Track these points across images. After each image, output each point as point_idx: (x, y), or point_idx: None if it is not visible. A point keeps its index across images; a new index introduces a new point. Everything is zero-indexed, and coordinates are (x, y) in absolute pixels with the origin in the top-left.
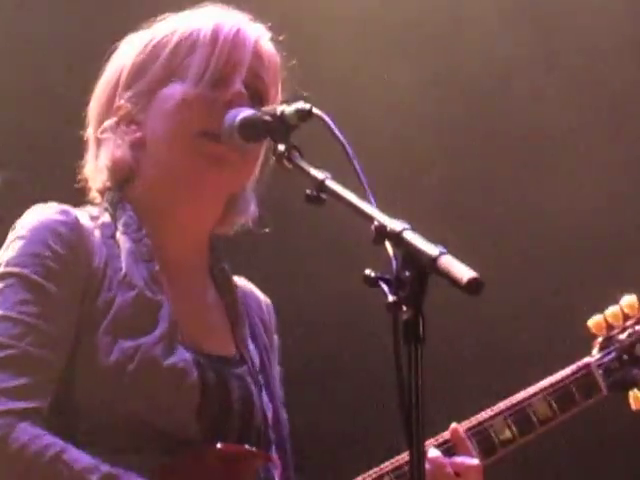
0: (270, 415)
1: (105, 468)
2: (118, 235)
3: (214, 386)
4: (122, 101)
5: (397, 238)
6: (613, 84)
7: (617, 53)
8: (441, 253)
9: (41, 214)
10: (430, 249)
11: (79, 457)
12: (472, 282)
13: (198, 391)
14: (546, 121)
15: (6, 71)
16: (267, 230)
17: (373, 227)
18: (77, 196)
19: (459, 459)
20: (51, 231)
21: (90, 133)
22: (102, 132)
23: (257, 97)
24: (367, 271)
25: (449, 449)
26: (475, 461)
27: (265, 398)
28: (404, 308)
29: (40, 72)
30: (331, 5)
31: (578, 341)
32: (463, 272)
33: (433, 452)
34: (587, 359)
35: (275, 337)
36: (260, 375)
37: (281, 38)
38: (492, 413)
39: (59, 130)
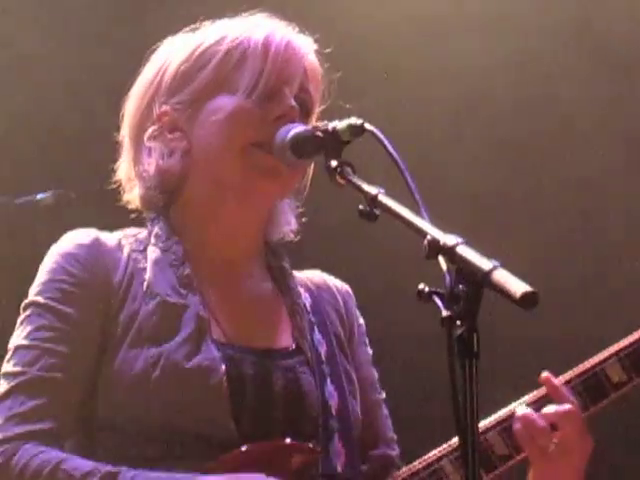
0: (334, 403)
1: (105, 468)
2: (149, 247)
3: (249, 381)
4: (166, 107)
5: (450, 252)
6: None
7: None
8: (495, 267)
9: (64, 242)
10: (484, 263)
11: (79, 464)
12: (527, 296)
13: (225, 389)
14: None
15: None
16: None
17: (426, 242)
18: (127, 217)
19: (550, 408)
20: (69, 256)
21: (125, 135)
22: (148, 139)
23: (305, 110)
24: (421, 285)
25: (539, 409)
26: (567, 406)
27: (330, 387)
28: (458, 323)
29: (100, 90)
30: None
31: None
32: (518, 286)
33: (521, 409)
34: None
35: (360, 321)
36: (325, 364)
37: (328, 50)
38: (563, 380)
39: (114, 148)
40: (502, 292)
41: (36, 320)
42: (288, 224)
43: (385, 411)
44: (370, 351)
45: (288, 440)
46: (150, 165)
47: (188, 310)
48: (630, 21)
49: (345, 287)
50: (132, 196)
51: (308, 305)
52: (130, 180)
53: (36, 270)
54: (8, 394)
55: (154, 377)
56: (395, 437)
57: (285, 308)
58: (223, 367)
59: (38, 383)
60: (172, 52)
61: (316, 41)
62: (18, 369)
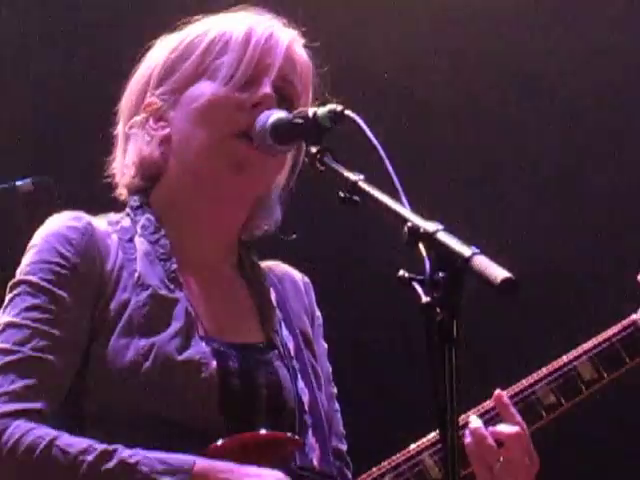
0: (306, 399)
1: (100, 446)
2: (136, 238)
3: (236, 375)
4: (152, 98)
5: (430, 239)
6: None
7: None
8: (474, 253)
9: (53, 223)
10: (464, 249)
11: (74, 441)
12: (506, 282)
13: (217, 381)
14: None
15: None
16: (294, 236)
17: (406, 228)
18: (109, 204)
19: (500, 428)
20: (61, 238)
21: (120, 129)
22: (130, 127)
23: (287, 101)
24: (401, 272)
25: (493, 418)
26: (516, 428)
27: (300, 383)
28: (438, 309)
29: (71, 74)
30: None
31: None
32: (497, 272)
33: (475, 422)
34: (633, 316)
35: (317, 314)
36: (295, 360)
37: (317, 44)
38: (536, 378)
39: (92, 134)
40: (482, 278)
41: (28, 299)
42: (270, 219)
43: (337, 405)
44: (325, 345)
45: (264, 431)
46: (133, 152)
47: (179, 304)
48: None
49: (306, 278)
50: (121, 190)
51: (274, 300)
52: (121, 173)
53: (15, 256)
54: None
55: (145, 368)
56: (344, 432)
57: (255, 303)
58: (214, 362)
59: (30, 363)
60: (161, 48)
61: (305, 35)
62: (8, 346)
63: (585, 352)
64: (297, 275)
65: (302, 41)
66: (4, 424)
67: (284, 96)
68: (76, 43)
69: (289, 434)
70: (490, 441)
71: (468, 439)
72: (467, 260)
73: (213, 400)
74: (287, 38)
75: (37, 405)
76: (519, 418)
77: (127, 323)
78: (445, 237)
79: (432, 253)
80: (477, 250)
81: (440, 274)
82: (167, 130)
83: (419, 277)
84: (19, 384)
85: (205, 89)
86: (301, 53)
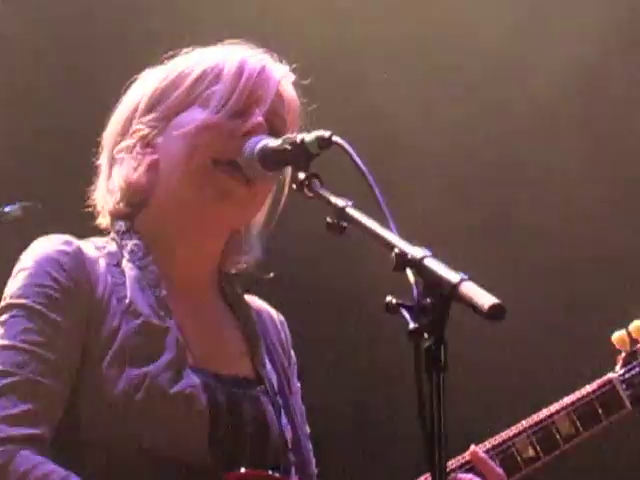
0: (289, 437)
1: None
2: (124, 263)
3: (224, 409)
4: (140, 125)
5: (418, 265)
6: None
7: None
8: (462, 280)
9: (43, 245)
10: (451, 276)
11: None
12: (494, 309)
13: (207, 417)
14: None
15: (25, 102)
16: (271, 275)
17: (394, 254)
18: (97, 228)
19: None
20: (53, 262)
21: (103, 158)
22: (118, 152)
23: (275, 134)
24: (388, 298)
25: (472, 469)
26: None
27: (284, 419)
28: (425, 335)
29: (59, 100)
30: None
31: (601, 358)
32: (485, 299)
33: (460, 474)
34: (610, 375)
35: (292, 353)
36: (278, 396)
37: (307, 82)
38: (515, 431)
39: (77, 161)
40: (469, 304)
41: (22, 322)
42: (247, 254)
43: (310, 445)
44: (299, 384)
45: (269, 471)
46: (119, 177)
47: (170, 334)
48: None
49: (281, 317)
50: (104, 218)
51: (260, 335)
52: (104, 200)
53: (2, 280)
54: None
55: (137, 399)
56: (317, 472)
57: (243, 336)
58: (205, 396)
59: (29, 387)
60: (149, 79)
61: (295, 71)
62: (6, 369)
63: (564, 407)
64: (273, 312)
65: (292, 78)
66: (10, 452)
67: (273, 129)
68: (64, 69)
69: (273, 473)
70: None
71: None
72: (455, 287)
73: (202, 435)
74: (279, 73)
75: (39, 431)
76: (498, 470)
77: (118, 351)
78: (433, 263)
79: (420, 279)
80: (465, 276)
81: (428, 300)
82: (155, 156)
83: (407, 303)
84: (21, 408)
85: (196, 116)
86: (291, 89)
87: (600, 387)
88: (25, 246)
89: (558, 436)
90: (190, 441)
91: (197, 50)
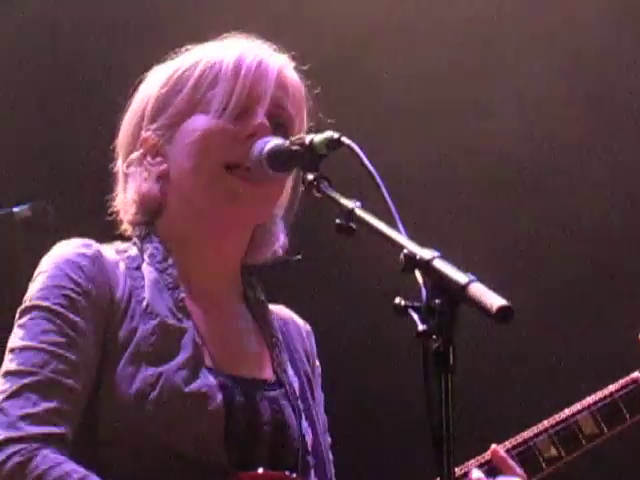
0: (310, 440)
1: None
2: (144, 266)
3: (241, 410)
4: (148, 133)
5: (426, 266)
6: None
7: None
8: (471, 281)
9: (63, 249)
10: (460, 277)
11: None
12: (502, 310)
13: (223, 416)
14: None
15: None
16: (299, 257)
17: (402, 256)
18: (106, 228)
19: (500, 479)
20: (73, 264)
21: (119, 165)
22: (128, 165)
23: (281, 128)
24: (397, 299)
25: (492, 470)
26: (515, 479)
27: (304, 423)
28: (434, 337)
29: (71, 104)
30: None
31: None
32: (493, 300)
33: (476, 473)
34: (635, 374)
35: (317, 363)
36: (299, 400)
37: (306, 67)
38: (537, 431)
39: (92, 161)
40: (478, 306)
41: (43, 323)
42: (274, 244)
43: (331, 455)
44: (323, 395)
45: (287, 473)
46: (132, 191)
47: (186, 334)
48: None
49: (308, 326)
50: (126, 226)
51: (281, 338)
52: (124, 210)
53: (14, 282)
54: (19, 392)
55: (152, 398)
56: None
57: (264, 340)
58: (220, 395)
59: (50, 386)
60: (154, 81)
61: (295, 58)
62: (27, 368)
63: (587, 407)
64: (300, 322)
65: (292, 64)
66: (30, 451)
67: (278, 122)
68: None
69: (290, 474)
70: None
71: None
72: (463, 288)
73: (218, 433)
74: (277, 64)
75: (60, 430)
76: (519, 470)
77: (134, 351)
78: (441, 264)
79: (428, 281)
80: (474, 278)
81: (436, 301)
82: (164, 165)
83: (415, 305)
84: (42, 406)
85: (199, 123)
86: (292, 77)
87: (624, 386)
88: (34, 246)
89: (581, 436)
90: (206, 440)
91: (195, 48)
